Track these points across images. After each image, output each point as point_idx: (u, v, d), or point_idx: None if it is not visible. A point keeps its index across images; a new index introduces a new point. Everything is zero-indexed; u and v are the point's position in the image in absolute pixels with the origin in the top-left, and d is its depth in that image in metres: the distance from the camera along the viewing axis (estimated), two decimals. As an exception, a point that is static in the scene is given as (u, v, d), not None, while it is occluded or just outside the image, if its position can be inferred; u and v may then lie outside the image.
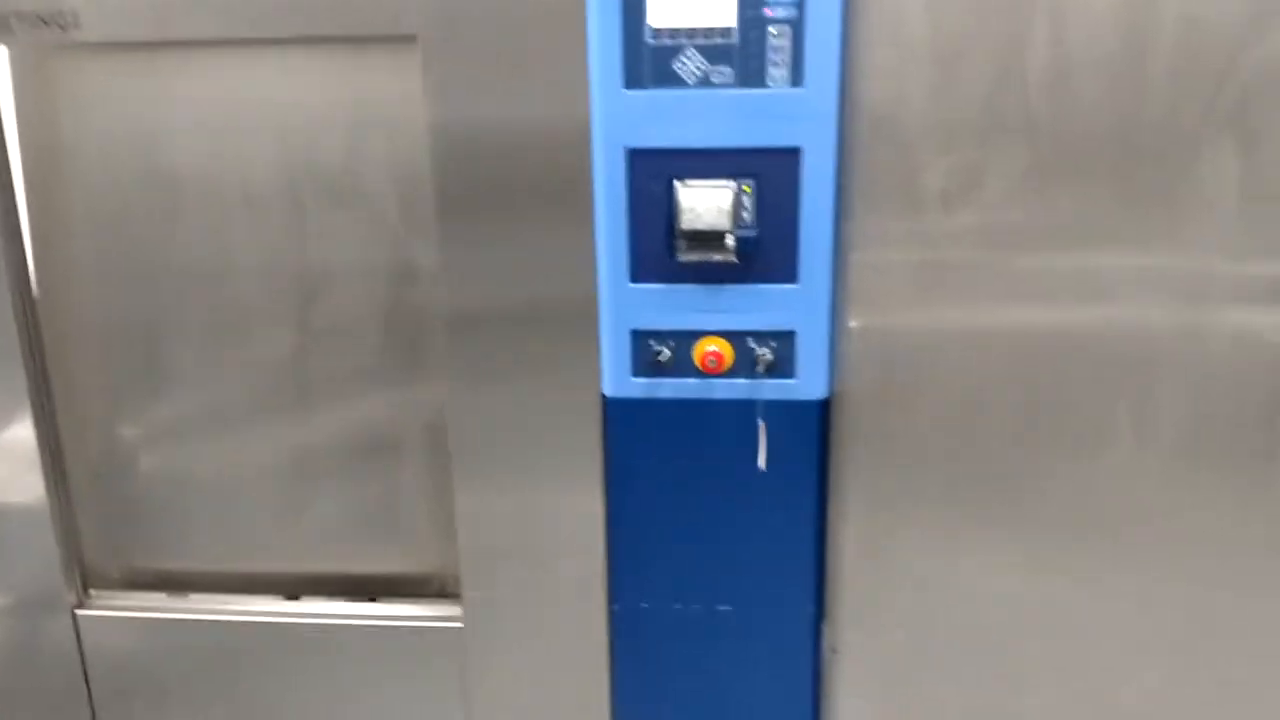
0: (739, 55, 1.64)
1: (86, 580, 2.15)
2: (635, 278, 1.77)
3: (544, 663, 2.05)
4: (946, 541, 1.86)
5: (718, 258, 1.73)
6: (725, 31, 1.63)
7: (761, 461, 1.82)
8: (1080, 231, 1.68)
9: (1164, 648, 1.88)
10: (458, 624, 2.05)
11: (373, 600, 2.13)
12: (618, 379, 1.83)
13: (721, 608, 1.95)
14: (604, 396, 1.85)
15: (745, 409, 1.82)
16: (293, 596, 2.14)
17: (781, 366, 1.79)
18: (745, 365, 1.79)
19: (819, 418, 1.83)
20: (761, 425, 1.81)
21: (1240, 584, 1.83)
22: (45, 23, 1.75)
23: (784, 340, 1.78)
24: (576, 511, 1.94)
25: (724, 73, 1.65)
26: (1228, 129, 1.61)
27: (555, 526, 1.96)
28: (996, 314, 1.73)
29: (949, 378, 1.77)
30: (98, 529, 2.13)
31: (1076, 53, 1.60)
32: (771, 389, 1.81)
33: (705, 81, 1.66)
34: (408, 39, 1.73)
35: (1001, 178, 1.66)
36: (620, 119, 1.69)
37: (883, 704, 1.99)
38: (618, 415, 1.85)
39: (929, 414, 1.80)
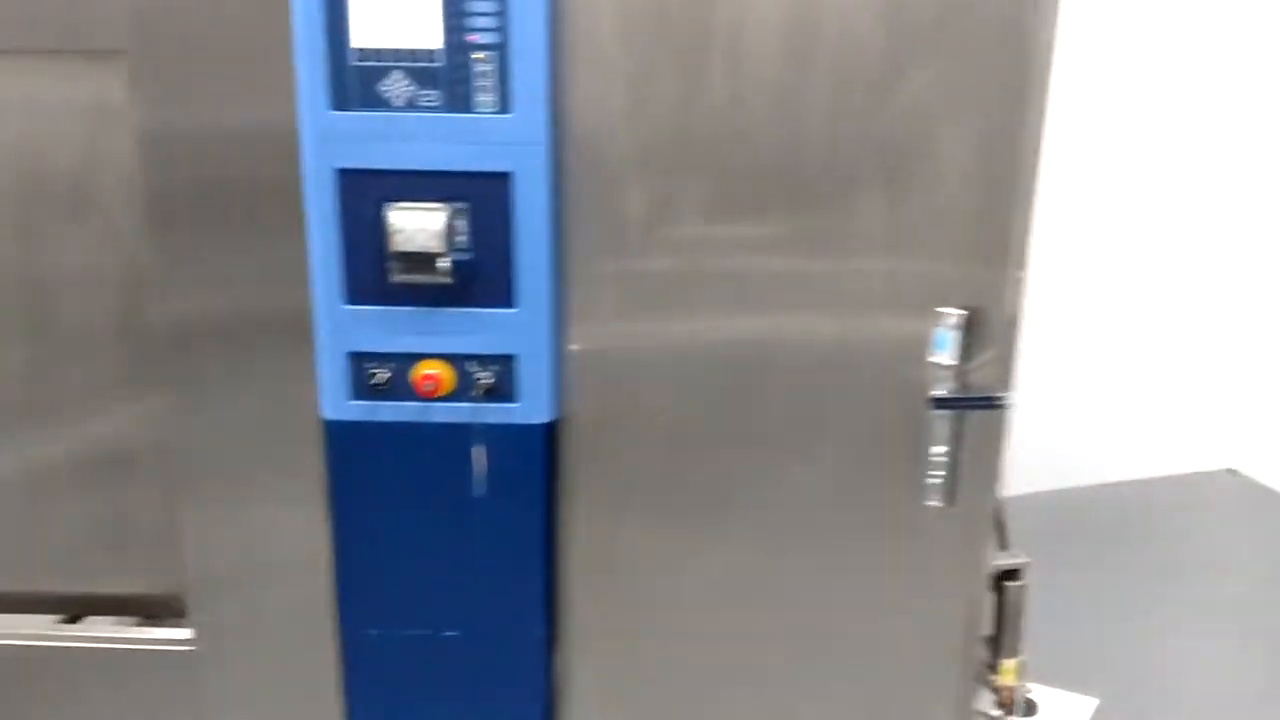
0: (445, 79, 1.63)
1: None
2: (350, 299, 1.75)
3: (277, 689, 2.01)
4: (669, 560, 1.88)
5: (432, 280, 1.71)
6: (430, 55, 1.62)
7: (479, 488, 1.80)
8: (761, 255, 1.72)
9: (845, 638, 1.93)
10: (189, 647, 1.99)
11: (140, 623, 2.07)
12: (336, 401, 1.80)
13: (449, 634, 1.93)
14: (324, 419, 1.82)
15: (466, 433, 1.81)
16: (74, 619, 2.08)
17: (503, 390, 1.79)
18: (465, 389, 1.78)
19: (544, 442, 1.82)
20: (479, 450, 1.79)
21: (910, 577, 1.89)
22: None
23: (504, 364, 1.77)
24: (302, 535, 1.91)
25: (431, 96, 1.64)
26: (880, 161, 1.67)
27: (281, 550, 1.93)
28: (696, 332, 1.76)
29: (662, 396, 1.79)
30: None
31: (749, 84, 1.64)
32: (494, 413, 1.80)
33: (413, 105, 1.65)
34: (116, 53, 1.68)
35: (691, 205, 1.69)
36: (328, 139, 1.67)
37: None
38: (338, 438, 1.83)
39: (647, 433, 1.81)
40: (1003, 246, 1.68)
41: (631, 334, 1.77)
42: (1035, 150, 1.67)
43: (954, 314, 1.67)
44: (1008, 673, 2.97)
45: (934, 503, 1.74)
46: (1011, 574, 2.92)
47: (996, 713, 2.97)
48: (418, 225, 1.68)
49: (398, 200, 1.69)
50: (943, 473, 1.72)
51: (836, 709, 1.94)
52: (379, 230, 1.70)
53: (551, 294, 1.74)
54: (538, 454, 1.83)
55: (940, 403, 1.70)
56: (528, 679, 1.97)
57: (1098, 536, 3.94)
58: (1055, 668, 3.08)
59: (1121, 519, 4.09)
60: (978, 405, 1.70)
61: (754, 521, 1.85)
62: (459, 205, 1.69)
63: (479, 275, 1.72)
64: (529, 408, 1.80)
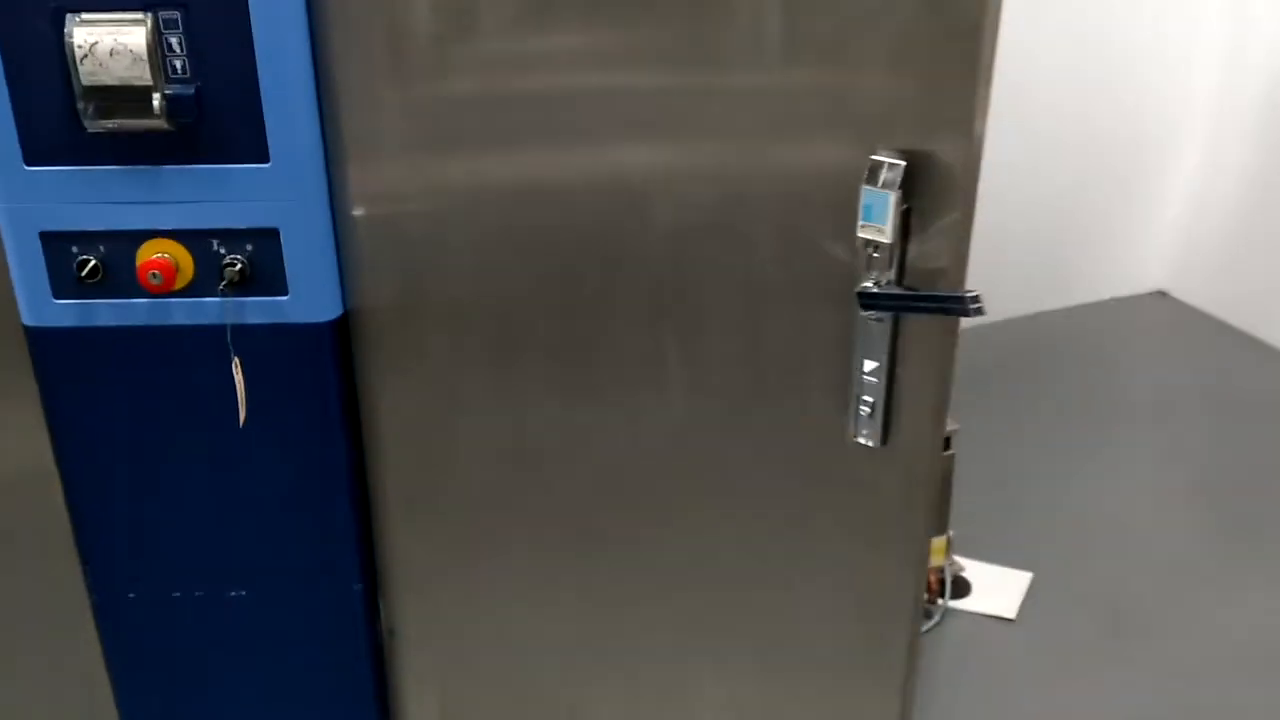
0: None
1: None
2: (32, 159, 1.23)
3: (25, 667, 1.56)
4: (510, 483, 1.42)
5: (146, 125, 1.20)
6: None
7: (242, 413, 1.32)
8: (602, 70, 1.21)
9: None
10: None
11: None
12: (36, 302, 1.30)
13: (235, 593, 1.48)
14: (25, 326, 1.31)
15: (221, 337, 1.31)
16: None
17: (265, 279, 1.30)
18: (210, 279, 1.28)
19: (331, 344, 1.34)
20: (236, 363, 1.30)
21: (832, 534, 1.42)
22: None
23: (262, 241, 1.28)
24: (27, 480, 1.42)
25: None
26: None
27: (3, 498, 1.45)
28: (521, 179, 1.26)
29: (483, 272, 1.31)
30: None
31: None
32: (256, 310, 1.31)
33: None
34: None
35: (497, 15, 1.17)
36: (-37, -79, 1.12)
37: (451, 682, 1.58)
38: (46, 350, 1.34)
39: (467, 322, 1.34)
40: (970, 57, 1.12)
41: (435, 188, 1.28)
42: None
43: (889, 162, 1.14)
44: (936, 551, 2.61)
45: (862, 439, 1.26)
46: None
47: (924, 597, 2.62)
48: (112, 45, 1.16)
49: (81, 10, 1.15)
50: (872, 399, 1.24)
51: (736, 684, 1.52)
52: (60, 56, 1.17)
53: (317, 140, 1.23)
54: (325, 361, 1.36)
55: (870, 300, 1.20)
56: (345, 641, 1.54)
57: (1023, 375, 3.58)
58: (985, 537, 2.73)
59: (1048, 353, 3.73)
60: (926, 306, 1.19)
61: (617, 432, 1.38)
62: (170, 14, 1.16)
63: (210, 116, 1.22)
64: (305, 301, 1.31)
